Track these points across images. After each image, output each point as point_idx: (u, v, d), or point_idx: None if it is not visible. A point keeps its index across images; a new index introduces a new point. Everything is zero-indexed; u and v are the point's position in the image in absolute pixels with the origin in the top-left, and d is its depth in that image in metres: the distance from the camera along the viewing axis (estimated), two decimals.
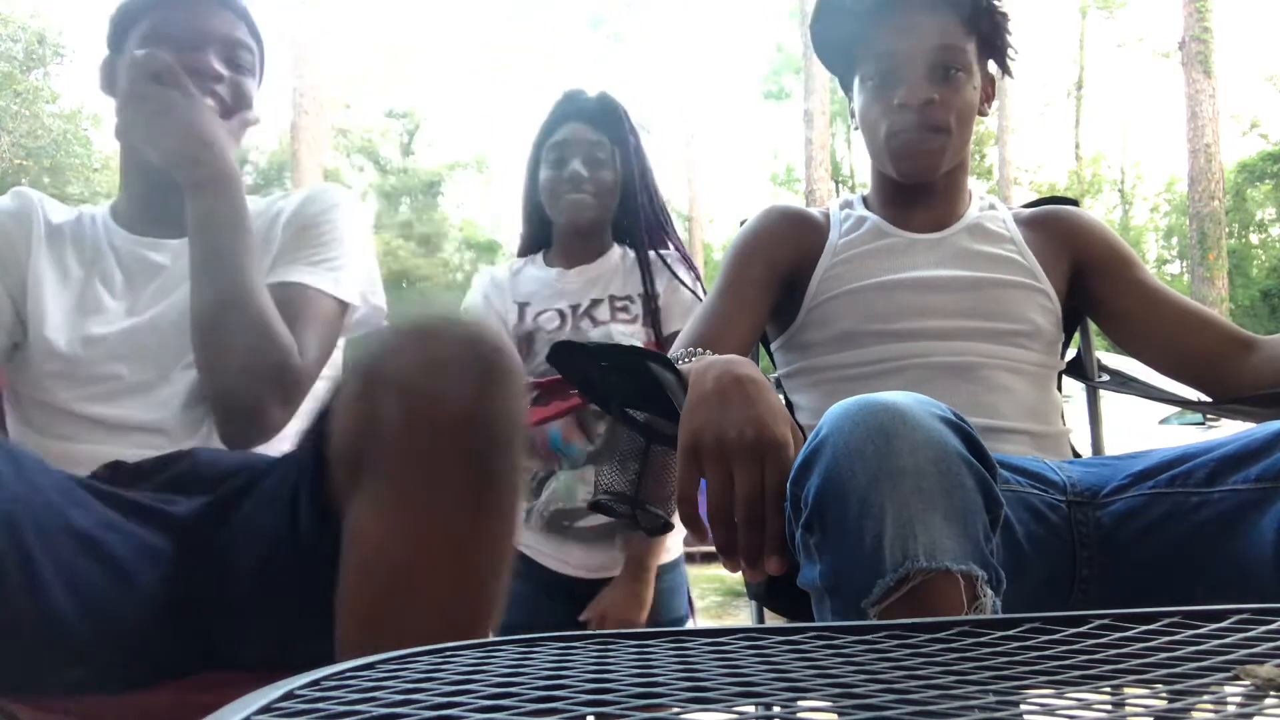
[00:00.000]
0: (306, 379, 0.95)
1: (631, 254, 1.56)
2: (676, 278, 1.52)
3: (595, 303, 1.51)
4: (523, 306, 1.55)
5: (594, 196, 1.51)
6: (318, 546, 0.65)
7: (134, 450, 0.90)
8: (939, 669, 0.34)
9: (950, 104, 1.06)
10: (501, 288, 1.60)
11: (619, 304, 1.50)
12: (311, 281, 1.00)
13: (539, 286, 1.56)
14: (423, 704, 0.30)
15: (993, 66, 1.14)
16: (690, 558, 1.68)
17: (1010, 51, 1.11)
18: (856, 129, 1.16)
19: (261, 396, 0.90)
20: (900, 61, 1.06)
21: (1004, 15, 1.08)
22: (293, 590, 0.68)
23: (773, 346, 1.22)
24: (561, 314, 1.51)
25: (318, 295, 1.00)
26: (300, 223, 1.06)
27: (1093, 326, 1.25)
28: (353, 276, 1.05)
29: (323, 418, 0.67)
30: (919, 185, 1.12)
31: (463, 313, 0.69)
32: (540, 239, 1.64)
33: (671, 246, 1.58)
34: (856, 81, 1.13)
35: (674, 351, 0.99)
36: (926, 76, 1.05)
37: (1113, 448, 1.24)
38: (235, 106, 1.04)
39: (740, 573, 0.76)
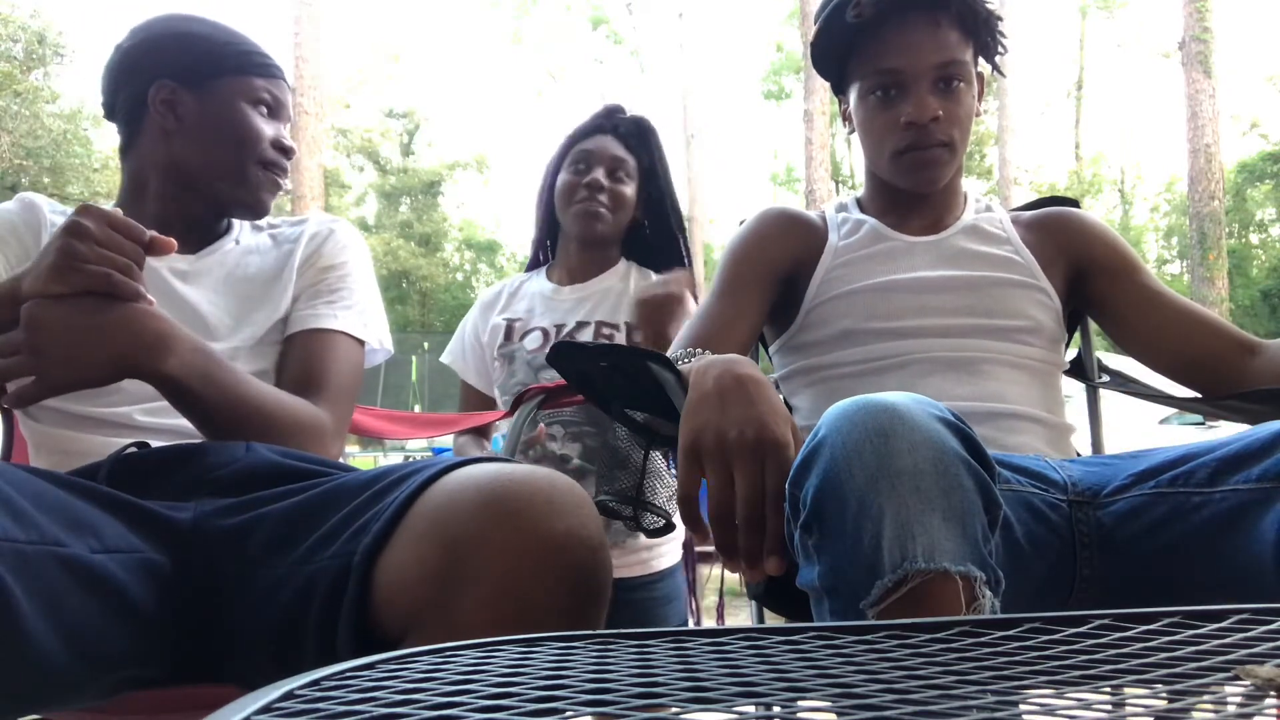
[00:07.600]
0: (336, 430, 1.00)
1: (635, 274, 1.54)
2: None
3: (580, 325, 1.49)
4: (511, 323, 1.54)
5: (609, 210, 1.49)
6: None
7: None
8: (939, 669, 0.33)
9: (954, 118, 1.07)
10: (491, 308, 1.60)
11: (605, 331, 1.48)
12: (343, 327, 1.07)
13: (535, 303, 1.55)
14: (423, 704, 0.30)
15: (984, 64, 1.14)
16: (699, 558, 1.65)
17: (1000, 49, 1.12)
18: (851, 134, 1.16)
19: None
20: (905, 78, 1.06)
21: (997, 18, 1.09)
22: (294, 626, 0.68)
23: (771, 349, 1.22)
24: (545, 332, 1.50)
25: (347, 340, 1.07)
26: (322, 263, 1.11)
27: (1093, 326, 1.25)
28: (371, 319, 1.11)
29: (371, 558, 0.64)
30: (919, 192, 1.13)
31: (559, 493, 0.65)
32: (551, 250, 1.63)
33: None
34: (854, 92, 1.12)
35: (673, 351, 0.99)
36: (931, 92, 1.06)
37: (1112, 448, 1.24)
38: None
39: (740, 573, 0.76)
